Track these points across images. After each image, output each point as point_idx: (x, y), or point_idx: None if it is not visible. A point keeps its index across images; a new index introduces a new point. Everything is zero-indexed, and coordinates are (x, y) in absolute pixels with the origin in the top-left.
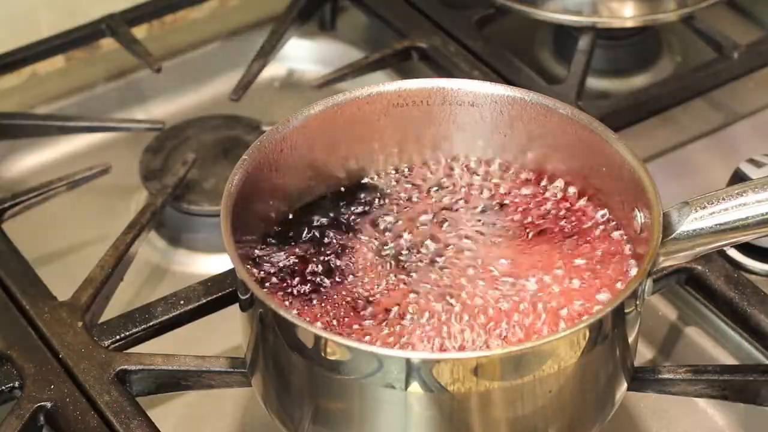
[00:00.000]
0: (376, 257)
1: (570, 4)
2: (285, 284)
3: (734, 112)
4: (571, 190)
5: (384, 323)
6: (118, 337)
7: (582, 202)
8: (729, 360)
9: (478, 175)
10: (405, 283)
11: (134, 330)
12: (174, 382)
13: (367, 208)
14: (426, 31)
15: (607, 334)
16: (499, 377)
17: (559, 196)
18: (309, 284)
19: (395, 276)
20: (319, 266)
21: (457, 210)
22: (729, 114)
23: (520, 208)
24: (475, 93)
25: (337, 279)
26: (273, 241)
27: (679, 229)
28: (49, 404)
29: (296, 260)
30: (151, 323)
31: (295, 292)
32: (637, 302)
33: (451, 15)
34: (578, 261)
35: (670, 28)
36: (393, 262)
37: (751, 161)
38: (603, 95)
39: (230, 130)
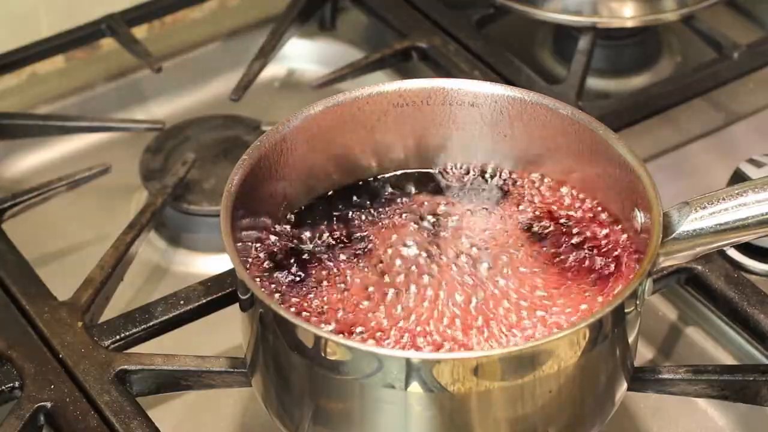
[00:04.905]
0: (376, 257)
1: (570, 4)
2: (285, 283)
3: (734, 112)
4: (565, 189)
5: (383, 322)
6: (118, 337)
7: (580, 201)
8: (729, 360)
9: (477, 174)
10: (405, 282)
11: (134, 330)
12: (174, 382)
13: (367, 209)
14: (426, 31)
15: (607, 334)
16: (499, 377)
17: (557, 194)
18: (308, 284)
19: (394, 276)
20: (320, 265)
21: (456, 210)
22: (729, 114)
23: (518, 208)
24: (475, 93)
25: (337, 278)
26: (273, 240)
27: (679, 229)
28: (49, 404)
29: (296, 260)
30: (151, 323)
31: (295, 291)
32: (637, 302)
33: (451, 15)
34: (574, 262)
35: (670, 28)
36: (393, 262)
37: (751, 161)
38: (603, 95)
39: (230, 130)
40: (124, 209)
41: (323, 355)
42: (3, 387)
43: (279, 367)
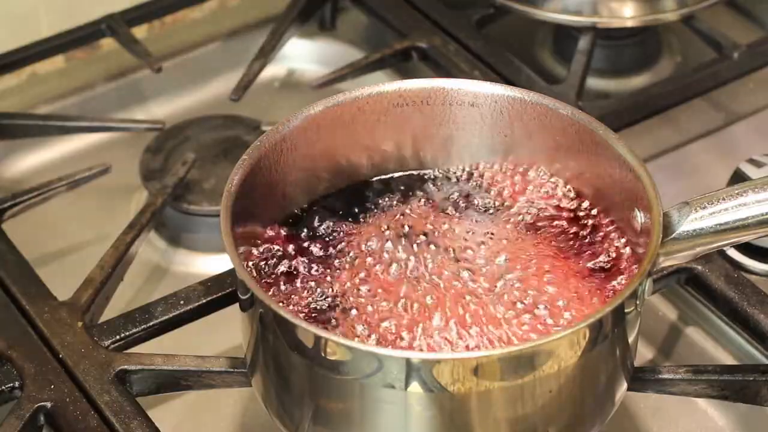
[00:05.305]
0: (377, 256)
1: (570, 4)
2: (285, 283)
3: (734, 112)
4: (566, 188)
5: (383, 321)
6: (118, 337)
7: (580, 202)
8: (729, 360)
9: (477, 175)
10: (404, 282)
11: (134, 330)
12: (174, 382)
13: (367, 208)
14: (426, 31)
15: (607, 334)
16: (499, 377)
17: (558, 194)
18: (309, 284)
19: (394, 275)
20: (320, 266)
21: (457, 210)
22: (729, 114)
23: (518, 208)
24: (475, 93)
25: (337, 278)
26: (273, 240)
27: (679, 229)
28: (49, 404)
29: (296, 260)
30: (151, 323)
31: (295, 291)
32: (637, 302)
33: (451, 15)
34: (575, 263)
35: (670, 28)
36: (393, 262)
37: (751, 161)
38: (603, 95)
39: (230, 130)
40: (124, 209)
41: (323, 355)
42: (3, 387)
43: (279, 367)
